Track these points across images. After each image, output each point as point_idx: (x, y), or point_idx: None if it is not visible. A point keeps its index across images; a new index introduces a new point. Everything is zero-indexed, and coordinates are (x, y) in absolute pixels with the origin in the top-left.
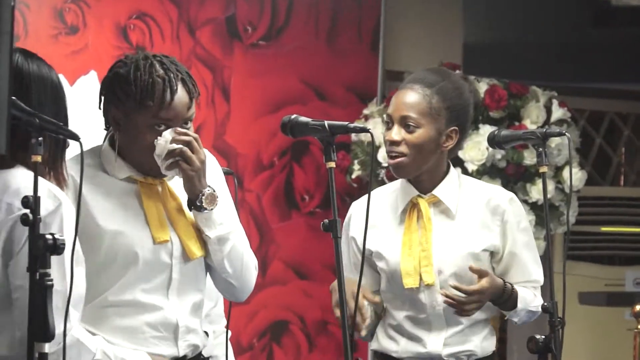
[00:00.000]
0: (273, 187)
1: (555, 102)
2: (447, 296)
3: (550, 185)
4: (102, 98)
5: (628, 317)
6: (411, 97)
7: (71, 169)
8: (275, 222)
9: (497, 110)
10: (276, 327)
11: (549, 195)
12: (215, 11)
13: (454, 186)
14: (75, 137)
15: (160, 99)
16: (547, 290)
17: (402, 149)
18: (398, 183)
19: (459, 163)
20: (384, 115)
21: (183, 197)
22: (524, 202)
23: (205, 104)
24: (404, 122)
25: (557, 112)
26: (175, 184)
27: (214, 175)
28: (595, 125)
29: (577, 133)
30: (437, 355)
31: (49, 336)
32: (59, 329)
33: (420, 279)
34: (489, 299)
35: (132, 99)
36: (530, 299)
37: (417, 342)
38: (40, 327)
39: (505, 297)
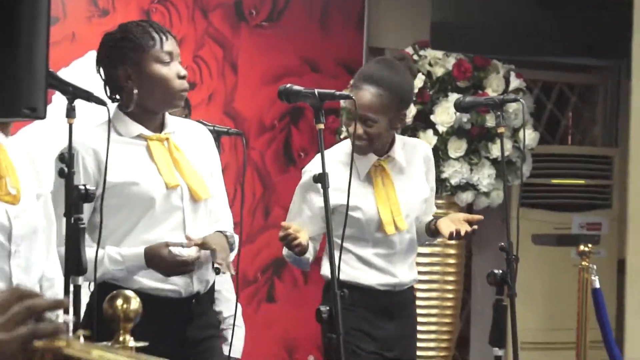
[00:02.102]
0: (274, 146)
1: (512, 74)
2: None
3: (508, 144)
4: (102, 70)
5: (574, 255)
6: (366, 98)
7: (88, 139)
8: (276, 175)
9: (463, 81)
10: (277, 263)
11: (507, 153)
12: None
13: (400, 146)
14: (103, 103)
15: (159, 38)
16: (505, 232)
17: (364, 137)
18: (347, 147)
19: (431, 125)
20: (346, 107)
21: (186, 150)
22: (486, 158)
23: (216, 76)
24: (363, 119)
25: (515, 82)
26: (179, 138)
27: (208, 146)
28: (547, 94)
29: (532, 100)
30: (405, 282)
31: (82, 270)
32: None
33: (395, 226)
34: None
35: (137, 48)
36: None
37: (387, 273)
38: (75, 263)
39: None
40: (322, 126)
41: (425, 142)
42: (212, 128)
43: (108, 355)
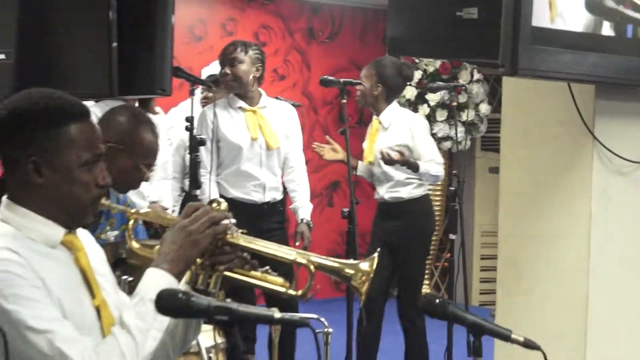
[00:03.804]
0: (332, 113)
1: (475, 70)
2: (382, 152)
3: (473, 112)
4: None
5: None
6: (364, 69)
7: (211, 109)
8: (333, 131)
9: (445, 74)
10: (334, 184)
11: (471, 118)
12: (305, 25)
13: (389, 114)
14: (209, 86)
15: (238, 50)
16: (464, 166)
17: (358, 94)
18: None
19: (426, 101)
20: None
21: (270, 119)
22: (459, 121)
23: (298, 72)
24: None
25: (476, 75)
26: (267, 111)
27: (289, 118)
28: (499, 83)
29: (488, 86)
30: (385, 198)
31: (198, 186)
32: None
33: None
34: (405, 164)
35: (224, 59)
36: (430, 167)
37: (376, 192)
38: (194, 182)
39: (411, 164)
40: (345, 101)
41: (421, 116)
42: (284, 101)
43: (258, 247)
